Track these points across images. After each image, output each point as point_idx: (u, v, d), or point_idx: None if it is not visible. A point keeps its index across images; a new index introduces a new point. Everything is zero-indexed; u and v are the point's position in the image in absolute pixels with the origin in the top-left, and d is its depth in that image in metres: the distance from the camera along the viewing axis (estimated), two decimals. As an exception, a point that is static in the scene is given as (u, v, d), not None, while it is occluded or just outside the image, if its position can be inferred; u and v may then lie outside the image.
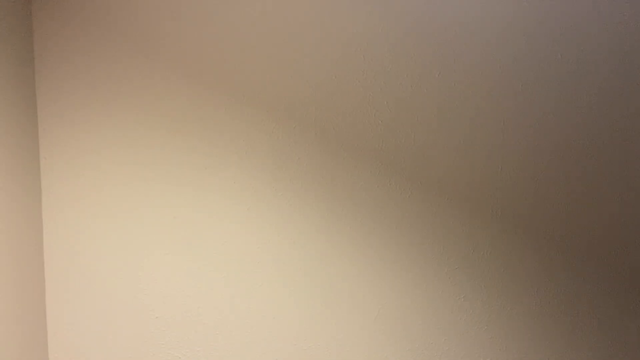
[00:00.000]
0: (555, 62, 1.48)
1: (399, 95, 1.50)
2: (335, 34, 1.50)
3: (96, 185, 1.53)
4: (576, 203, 1.50)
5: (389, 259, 1.51)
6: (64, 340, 1.54)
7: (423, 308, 1.50)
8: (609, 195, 1.48)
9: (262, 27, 1.51)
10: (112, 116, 1.53)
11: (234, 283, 1.52)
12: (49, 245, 1.54)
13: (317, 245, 1.51)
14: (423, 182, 1.50)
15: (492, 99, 1.49)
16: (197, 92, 1.52)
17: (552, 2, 1.47)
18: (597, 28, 1.47)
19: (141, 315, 1.53)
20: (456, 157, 1.50)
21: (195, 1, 1.52)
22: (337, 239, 1.51)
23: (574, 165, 1.49)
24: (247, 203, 1.52)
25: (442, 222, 1.51)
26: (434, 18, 1.49)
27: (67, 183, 1.53)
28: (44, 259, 1.54)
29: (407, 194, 1.51)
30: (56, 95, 1.53)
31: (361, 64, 1.50)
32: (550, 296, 1.51)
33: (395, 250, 1.51)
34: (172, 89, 1.52)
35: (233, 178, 1.52)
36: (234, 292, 1.53)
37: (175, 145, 1.52)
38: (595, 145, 1.49)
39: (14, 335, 1.40)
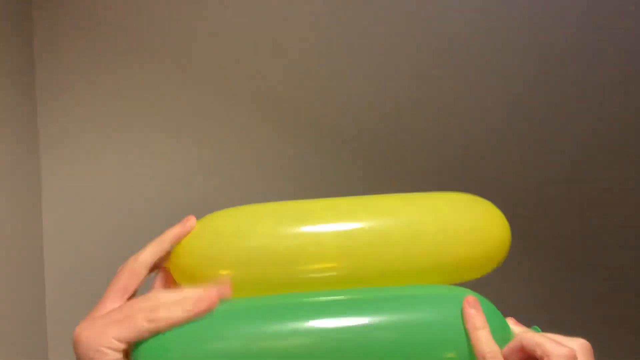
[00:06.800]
0: (556, 61, 1.48)
1: (399, 95, 1.50)
2: (336, 34, 1.50)
3: (96, 186, 1.53)
4: (577, 203, 1.50)
5: (389, 259, 1.51)
6: (64, 340, 1.54)
7: (423, 308, 1.50)
8: (610, 196, 1.48)
9: (264, 26, 1.51)
10: (113, 116, 1.53)
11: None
12: (49, 245, 1.54)
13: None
14: (423, 182, 1.50)
15: (493, 99, 1.49)
16: (198, 91, 1.52)
17: (553, 2, 1.47)
18: (598, 27, 1.47)
19: (141, 315, 1.53)
20: (456, 157, 1.50)
21: (197, 0, 1.52)
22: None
23: (574, 166, 1.49)
24: (247, 203, 1.52)
25: (442, 222, 1.51)
26: (435, 18, 1.49)
27: (67, 183, 1.53)
28: (44, 258, 1.53)
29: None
30: (56, 95, 1.53)
31: (361, 64, 1.50)
32: (550, 296, 1.51)
33: (395, 250, 1.51)
34: (173, 88, 1.52)
35: (233, 178, 1.52)
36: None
37: (176, 145, 1.52)
38: (596, 145, 1.49)
39: (14, 335, 1.40)
